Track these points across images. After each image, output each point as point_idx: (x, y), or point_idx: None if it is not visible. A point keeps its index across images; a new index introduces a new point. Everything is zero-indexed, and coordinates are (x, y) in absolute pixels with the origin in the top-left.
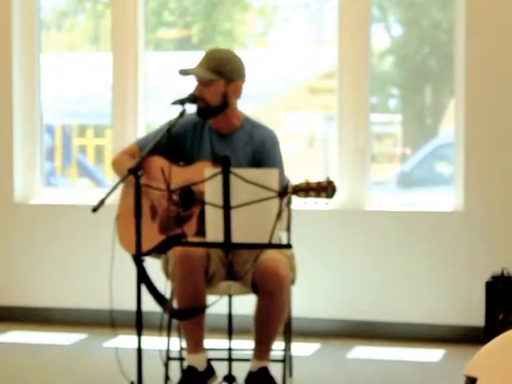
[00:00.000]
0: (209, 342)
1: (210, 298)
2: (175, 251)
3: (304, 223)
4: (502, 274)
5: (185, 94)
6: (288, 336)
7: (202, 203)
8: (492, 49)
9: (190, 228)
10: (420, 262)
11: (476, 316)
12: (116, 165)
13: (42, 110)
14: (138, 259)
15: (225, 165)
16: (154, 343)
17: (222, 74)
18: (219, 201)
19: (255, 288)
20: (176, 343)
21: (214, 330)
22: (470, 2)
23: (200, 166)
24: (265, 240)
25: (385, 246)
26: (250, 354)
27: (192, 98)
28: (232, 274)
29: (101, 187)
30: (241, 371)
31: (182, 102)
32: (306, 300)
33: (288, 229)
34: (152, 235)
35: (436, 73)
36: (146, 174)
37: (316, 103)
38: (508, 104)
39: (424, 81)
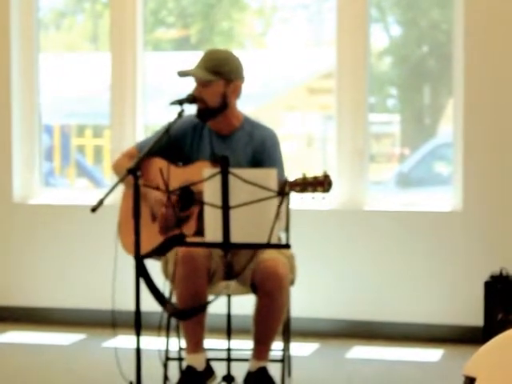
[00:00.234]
0: (208, 342)
1: (210, 298)
2: (178, 252)
3: (303, 223)
4: (501, 273)
5: (183, 95)
6: (287, 336)
7: (201, 203)
8: (491, 49)
9: (190, 228)
10: (419, 262)
11: (475, 316)
12: (116, 168)
13: (40, 110)
14: (137, 259)
15: (223, 165)
16: (153, 343)
17: (220, 74)
18: (218, 201)
19: (254, 288)
20: (175, 343)
21: (213, 330)
22: (468, 3)
23: (199, 167)
24: (264, 240)
25: (383, 246)
26: (248, 354)
27: (191, 99)
28: (231, 274)
29: (99, 187)
30: (240, 371)
31: (180, 102)
32: (305, 300)
33: (287, 229)
34: (152, 237)
35: (435, 73)
36: (144, 176)
37: (315, 103)
38: (507, 104)
39: (423, 81)
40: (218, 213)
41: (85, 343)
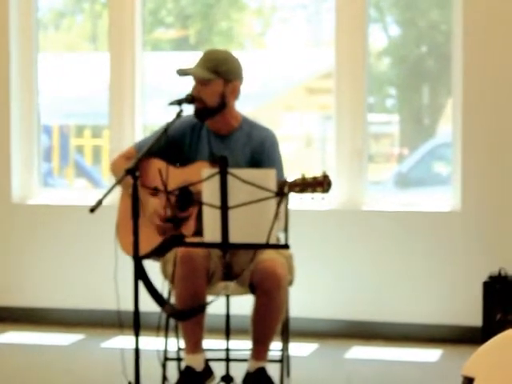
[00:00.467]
0: (206, 343)
1: (208, 298)
2: (177, 252)
3: (302, 223)
4: (500, 274)
5: (182, 95)
6: (286, 336)
7: (200, 204)
8: (490, 49)
9: (188, 228)
10: (417, 262)
11: (474, 316)
12: (114, 168)
13: (39, 111)
14: (135, 260)
15: (222, 165)
16: (152, 343)
17: (219, 73)
18: (217, 201)
19: (253, 288)
20: (174, 344)
21: (212, 330)
22: (467, 3)
23: (197, 167)
24: (262, 240)
25: (382, 246)
26: (247, 354)
27: (189, 99)
28: (229, 274)
29: (98, 188)
30: (238, 371)
31: (179, 102)
32: (304, 300)
33: (286, 229)
34: (151, 237)
35: (433, 73)
36: (143, 177)
37: (314, 103)
38: (506, 104)
39: (421, 81)
40: (217, 213)
41: (84, 343)
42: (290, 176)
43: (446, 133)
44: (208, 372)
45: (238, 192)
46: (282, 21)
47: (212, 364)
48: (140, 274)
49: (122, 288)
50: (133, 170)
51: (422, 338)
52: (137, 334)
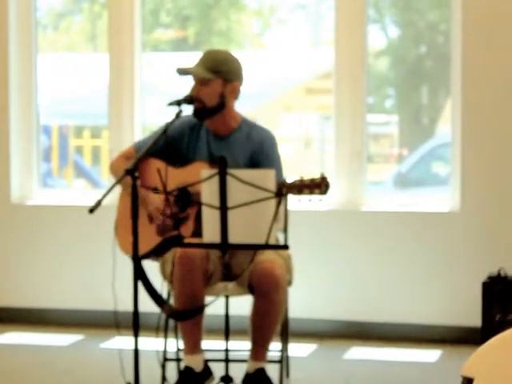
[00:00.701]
0: (206, 343)
1: (207, 299)
2: (175, 252)
3: (301, 224)
4: (499, 274)
5: (181, 95)
6: (285, 337)
7: (199, 204)
8: (489, 49)
9: (187, 229)
10: (417, 263)
11: (473, 316)
12: (114, 168)
13: (38, 111)
14: (134, 260)
15: (221, 166)
16: (151, 344)
17: (219, 73)
18: (216, 202)
19: (252, 289)
20: (173, 344)
21: (211, 330)
22: (466, 3)
23: (196, 167)
24: (262, 241)
25: (382, 247)
26: (246, 354)
27: (188, 99)
28: (229, 275)
29: (97, 188)
30: (238, 372)
31: (178, 102)
32: (303, 300)
33: (285, 230)
34: (150, 237)
35: (432, 73)
36: (142, 177)
37: (313, 104)
38: (505, 104)
39: (420, 81)
40: (216, 214)
41: (83, 344)
42: (289, 177)
43: (445, 133)
44: (207, 372)
45: (237, 192)
46: (281, 21)
47: (211, 364)
48: (139, 274)
49: (122, 288)
50: (132, 170)
51: (421, 339)
52: (136, 335)
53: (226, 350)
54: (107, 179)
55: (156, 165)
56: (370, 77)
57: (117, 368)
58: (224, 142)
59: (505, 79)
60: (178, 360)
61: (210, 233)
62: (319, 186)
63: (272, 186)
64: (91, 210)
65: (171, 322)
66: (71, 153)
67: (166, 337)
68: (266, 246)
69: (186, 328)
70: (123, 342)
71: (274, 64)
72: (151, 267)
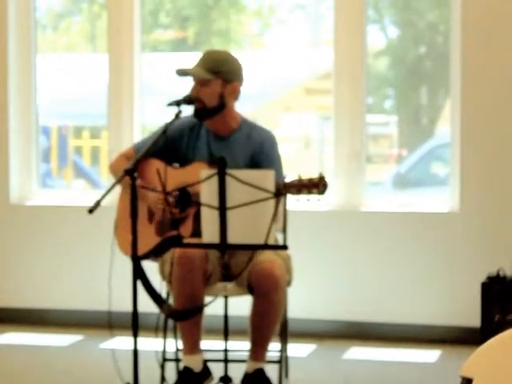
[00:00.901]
0: (205, 343)
1: (206, 299)
2: (174, 253)
3: (300, 224)
4: (498, 274)
5: (181, 96)
6: (284, 337)
7: (198, 204)
8: (488, 49)
9: (186, 229)
10: (416, 263)
11: (472, 317)
12: (113, 169)
13: (38, 111)
14: (134, 260)
15: (221, 166)
16: (150, 344)
17: (219, 74)
18: (215, 202)
19: (251, 289)
20: (172, 344)
21: (210, 331)
22: (465, 3)
23: (196, 168)
24: (261, 241)
25: (381, 247)
26: (246, 355)
27: (188, 100)
28: (228, 275)
29: (97, 188)
30: (237, 372)
31: (177, 103)
32: (302, 301)
33: (284, 230)
34: (149, 238)
35: (432, 73)
36: (141, 177)
37: (312, 104)
38: (504, 104)
39: (420, 81)
40: (215, 214)
41: (82, 344)
42: (287, 177)
43: (444, 133)
44: (206, 373)
45: (236, 193)
46: (280, 21)
47: (210, 365)
48: (138, 274)
49: (122, 289)
50: (131, 171)
51: (421, 339)
52: (135, 335)
53: (225, 351)
54: (106, 179)
55: (155, 165)
56: (370, 77)
57: (116, 368)
58: (224, 142)
59: (504, 79)
60: (177, 360)
61: (209, 233)
62: (317, 185)
63: (271, 186)
64: (90, 211)
65: (170, 323)
66: (70, 153)
67: (165, 337)
68: (266, 247)
69: (185, 328)
70: (121, 342)
71: (274, 64)
72: (150, 267)
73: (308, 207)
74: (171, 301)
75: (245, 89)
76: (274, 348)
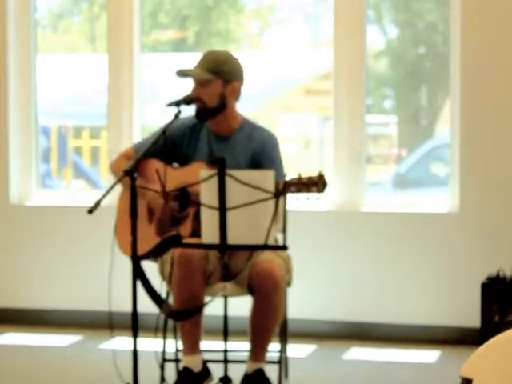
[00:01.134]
0: (204, 344)
1: (206, 299)
2: (174, 253)
3: (300, 224)
4: (498, 275)
5: (180, 96)
6: (284, 337)
7: (198, 205)
8: (488, 49)
9: (186, 229)
10: (416, 264)
11: (472, 317)
12: (113, 168)
13: (37, 112)
14: (133, 260)
15: (220, 166)
16: (150, 345)
17: (219, 74)
18: (215, 202)
19: (251, 289)
20: (172, 345)
21: (210, 331)
22: (465, 3)
23: (195, 168)
24: (261, 241)
25: (381, 247)
26: (245, 355)
27: (188, 100)
28: (228, 276)
29: (96, 189)
30: (237, 373)
31: (177, 103)
32: (302, 301)
33: (284, 230)
34: (149, 238)
35: (431, 74)
36: (141, 177)
37: (312, 104)
38: (504, 105)
39: (419, 82)
40: (215, 214)
41: (82, 345)
42: (286, 176)
43: (444, 134)
44: (206, 373)
45: (235, 193)
46: (280, 22)
47: (210, 365)
48: (138, 274)
49: (121, 289)
50: (131, 171)
51: (421, 339)
52: (135, 335)
53: (225, 351)
54: (106, 180)
55: (155, 165)
56: (369, 77)
57: (116, 369)
58: (225, 142)
59: (504, 80)
60: (177, 361)
61: (209, 233)
62: (317, 184)
63: (271, 186)
64: (90, 211)
65: (170, 323)
66: (70, 153)
67: (164, 337)
68: (265, 247)
69: (184, 328)
70: (121, 342)
71: (274, 65)
72: (150, 268)
73: (308, 207)
74: (171, 301)
75: (245, 89)
76: (273, 348)
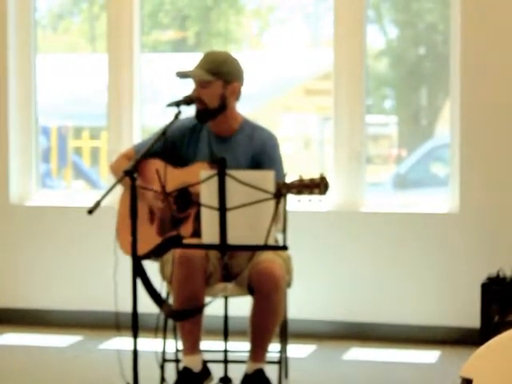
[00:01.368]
0: (204, 344)
1: (207, 299)
2: (175, 253)
3: (300, 225)
4: (498, 275)
5: (180, 96)
6: (284, 338)
7: (199, 205)
8: (488, 49)
9: (186, 229)
10: (416, 264)
11: (472, 317)
12: (114, 169)
13: (37, 112)
14: (134, 260)
15: (221, 167)
16: (150, 345)
17: (219, 75)
18: (215, 203)
19: (251, 290)
20: (172, 345)
21: (210, 331)
22: (465, 4)
23: (196, 168)
24: (261, 242)
25: (381, 248)
26: (245, 355)
27: (188, 100)
28: (228, 276)
29: (96, 189)
30: (237, 373)
31: (177, 103)
32: (302, 301)
33: (284, 230)
34: (150, 238)
35: (431, 74)
36: (142, 177)
37: (312, 104)
38: (504, 105)
39: (419, 82)
40: (215, 214)
41: (82, 345)
42: (288, 177)
43: (444, 134)
44: (206, 373)
45: (236, 193)
46: (280, 22)
47: (210, 365)
48: (139, 274)
49: (121, 289)
50: (131, 172)
51: (420, 340)
52: (135, 336)
53: (225, 351)
54: (106, 180)
55: (156, 165)
56: (369, 77)
57: (116, 369)
58: (226, 143)
59: (503, 80)
60: (177, 361)
61: (209, 234)
62: (318, 186)
63: (271, 187)
64: (90, 211)
65: (170, 323)
66: (70, 154)
67: (164, 337)
68: (265, 247)
69: (185, 328)
70: (122, 342)
71: (273, 65)
72: (150, 268)
73: (308, 208)
74: (171, 301)
75: (245, 89)
76: (273, 349)
